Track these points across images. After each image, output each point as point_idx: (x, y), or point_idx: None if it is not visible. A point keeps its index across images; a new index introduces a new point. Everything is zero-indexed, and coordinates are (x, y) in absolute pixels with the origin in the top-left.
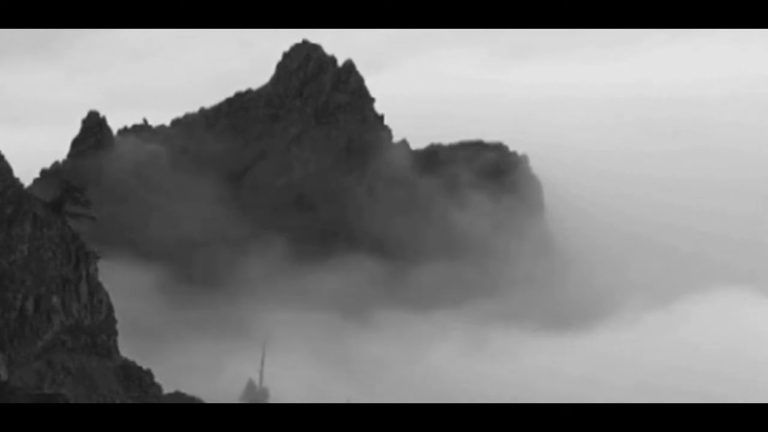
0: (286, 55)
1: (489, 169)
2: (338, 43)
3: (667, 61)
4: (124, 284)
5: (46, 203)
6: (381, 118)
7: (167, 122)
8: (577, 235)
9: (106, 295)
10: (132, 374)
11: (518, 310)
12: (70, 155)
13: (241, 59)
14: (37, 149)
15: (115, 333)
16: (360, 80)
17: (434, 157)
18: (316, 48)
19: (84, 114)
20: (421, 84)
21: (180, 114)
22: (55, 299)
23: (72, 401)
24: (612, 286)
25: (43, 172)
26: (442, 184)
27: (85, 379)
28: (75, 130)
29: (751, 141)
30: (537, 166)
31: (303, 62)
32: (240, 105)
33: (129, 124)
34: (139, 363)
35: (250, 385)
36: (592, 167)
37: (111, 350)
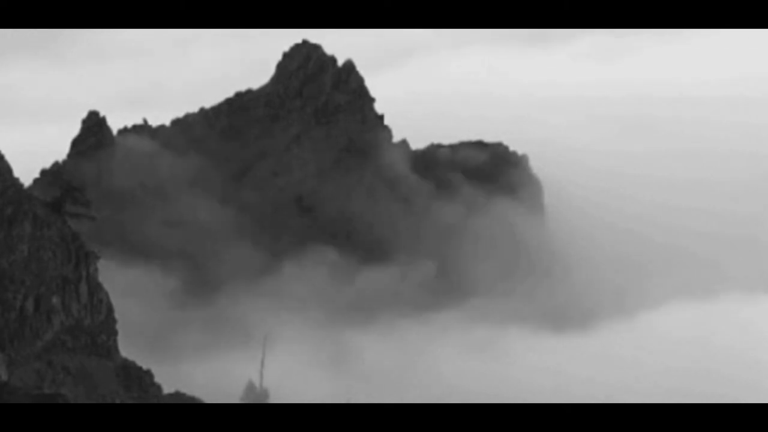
0: (286, 55)
1: (488, 169)
2: (338, 43)
3: (667, 61)
4: (124, 284)
5: (46, 203)
6: (381, 118)
7: (167, 122)
8: (577, 235)
9: (106, 295)
10: (132, 374)
11: (518, 310)
12: (70, 155)
13: (241, 59)
14: (37, 149)
15: (115, 333)
16: (360, 80)
17: (434, 157)
18: (316, 48)
19: (84, 114)
20: (421, 84)
21: (180, 114)
22: (55, 299)
23: (72, 401)
24: (612, 286)
25: (43, 172)
26: (442, 184)
27: (85, 379)
28: (75, 130)
29: (751, 141)
30: (537, 166)
31: (303, 62)
32: (240, 105)
33: (129, 124)
34: (139, 363)
35: (250, 385)
36: (592, 167)
37: (111, 350)
